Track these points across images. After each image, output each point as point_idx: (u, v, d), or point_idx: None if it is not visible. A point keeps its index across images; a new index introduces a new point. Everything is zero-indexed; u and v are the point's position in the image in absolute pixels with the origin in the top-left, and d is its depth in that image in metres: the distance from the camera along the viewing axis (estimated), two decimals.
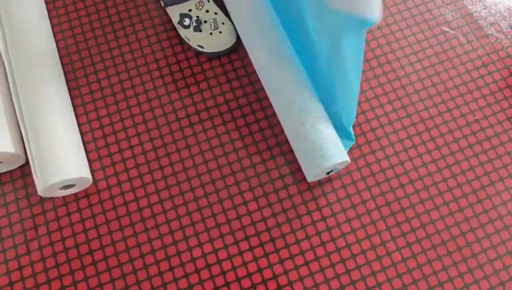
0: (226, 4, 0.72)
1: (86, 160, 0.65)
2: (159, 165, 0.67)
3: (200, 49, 0.72)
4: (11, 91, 0.66)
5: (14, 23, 0.67)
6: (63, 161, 0.61)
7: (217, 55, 0.73)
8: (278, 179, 0.67)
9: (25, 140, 0.63)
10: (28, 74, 0.65)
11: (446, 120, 0.70)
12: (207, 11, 0.72)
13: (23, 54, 0.66)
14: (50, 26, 0.72)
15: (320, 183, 0.67)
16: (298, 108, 0.63)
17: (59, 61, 0.70)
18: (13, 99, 0.65)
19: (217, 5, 0.76)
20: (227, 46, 0.72)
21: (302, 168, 0.64)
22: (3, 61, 0.68)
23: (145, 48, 0.74)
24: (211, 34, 0.71)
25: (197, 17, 0.71)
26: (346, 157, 0.62)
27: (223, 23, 0.72)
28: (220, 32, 0.71)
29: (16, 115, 0.67)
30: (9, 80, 0.66)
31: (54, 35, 0.74)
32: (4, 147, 0.62)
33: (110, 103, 0.70)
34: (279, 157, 0.68)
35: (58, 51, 0.73)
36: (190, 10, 0.71)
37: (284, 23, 0.69)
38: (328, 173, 0.65)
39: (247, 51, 0.69)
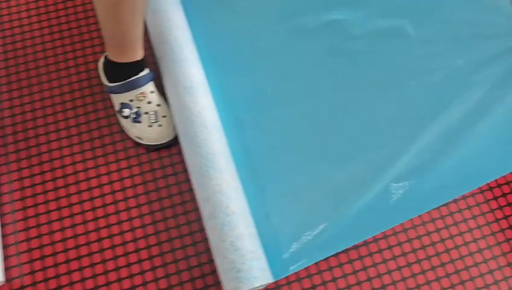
0: (167, 99, 0.70)
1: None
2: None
3: (138, 141, 0.70)
4: None
5: None
6: None
7: (156, 148, 0.70)
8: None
9: None
10: None
11: None
12: (149, 103, 0.69)
13: None
14: None
15: None
16: (220, 222, 0.59)
17: None
18: None
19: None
20: (166, 140, 0.69)
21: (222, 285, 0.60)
22: None
23: (84, 135, 0.71)
24: (150, 126, 0.69)
25: (138, 108, 0.69)
26: (266, 280, 0.58)
27: (164, 116, 0.69)
28: (160, 125, 0.69)
29: None
30: None
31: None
32: None
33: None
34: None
35: None
36: (131, 100, 0.69)
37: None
38: None
39: (182, 147, 0.67)
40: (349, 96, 0.70)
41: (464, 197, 0.68)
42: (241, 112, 0.71)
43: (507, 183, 0.69)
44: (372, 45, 0.72)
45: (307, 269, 0.64)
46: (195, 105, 0.66)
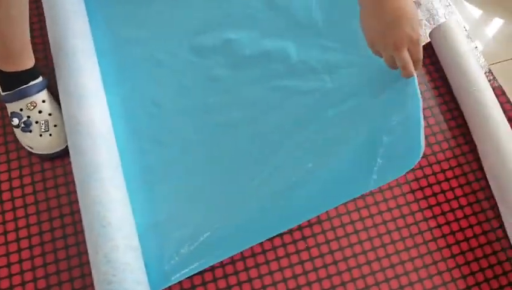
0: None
1: None
2: None
3: (30, 150, 0.69)
4: None
5: None
6: None
7: (50, 157, 0.70)
8: None
9: None
10: None
11: None
12: (40, 112, 0.69)
13: None
14: None
15: None
16: (96, 233, 0.59)
17: None
18: None
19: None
20: (57, 149, 0.69)
21: None
22: None
23: None
24: (40, 135, 0.68)
25: (28, 117, 0.68)
26: None
27: (55, 126, 0.69)
28: (50, 134, 0.68)
29: None
30: None
31: None
32: None
33: None
34: None
35: None
36: (21, 110, 0.68)
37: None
38: None
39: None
40: (238, 112, 0.71)
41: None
42: (137, 123, 0.71)
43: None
44: (258, 65, 0.74)
45: (190, 279, 0.64)
46: (83, 115, 0.66)
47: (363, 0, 0.56)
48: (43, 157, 0.70)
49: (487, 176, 0.70)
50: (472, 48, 0.78)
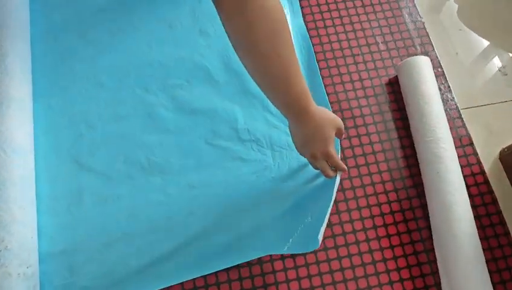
0: None
1: None
2: None
3: None
4: None
5: None
6: None
7: None
8: None
9: None
10: None
11: None
12: None
13: None
14: None
15: None
16: None
17: None
18: None
19: None
20: None
21: None
22: None
23: None
24: None
25: None
26: None
27: None
28: None
29: None
30: None
31: None
32: None
33: None
34: None
35: None
36: None
37: None
38: None
39: None
40: (172, 157, 0.68)
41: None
42: (61, 140, 0.68)
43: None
44: (203, 118, 0.70)
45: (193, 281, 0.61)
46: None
47: (286, 114, 0.58)
48: None
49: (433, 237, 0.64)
50: (442, 89, 0.72)
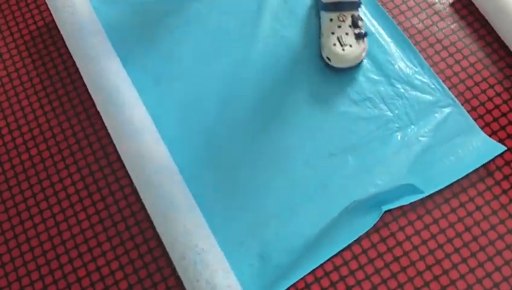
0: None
1: None
2: None
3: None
4: None
5: None
6: None
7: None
8: None
9: None
10: None
11: None
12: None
13: None
14: None
15: None
16: (192, 261, 0.60)
17: None
18: None
19: None
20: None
21: None
22: None
23: None
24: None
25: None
26: None
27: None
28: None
29: None
30: None
31: None
32: None
33: None
34: None
35: None
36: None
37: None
38: None
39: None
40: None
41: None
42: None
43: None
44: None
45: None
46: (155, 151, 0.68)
47: None
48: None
49: None
50: None
